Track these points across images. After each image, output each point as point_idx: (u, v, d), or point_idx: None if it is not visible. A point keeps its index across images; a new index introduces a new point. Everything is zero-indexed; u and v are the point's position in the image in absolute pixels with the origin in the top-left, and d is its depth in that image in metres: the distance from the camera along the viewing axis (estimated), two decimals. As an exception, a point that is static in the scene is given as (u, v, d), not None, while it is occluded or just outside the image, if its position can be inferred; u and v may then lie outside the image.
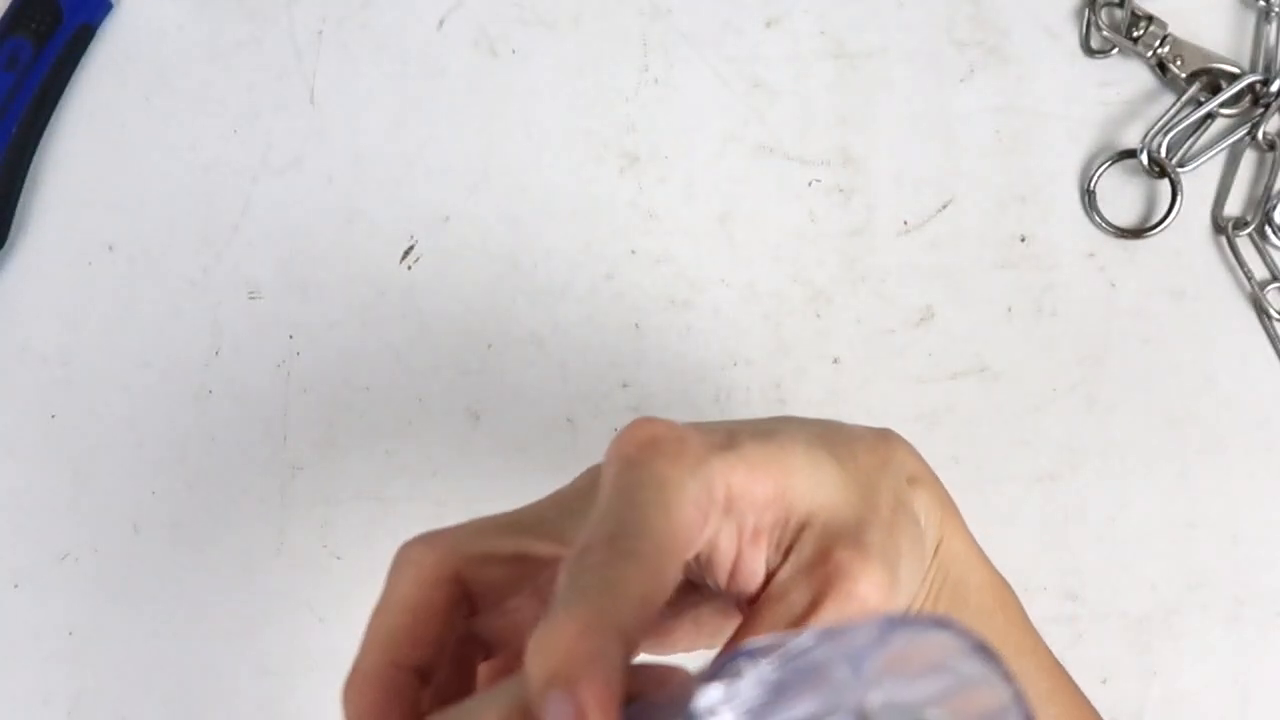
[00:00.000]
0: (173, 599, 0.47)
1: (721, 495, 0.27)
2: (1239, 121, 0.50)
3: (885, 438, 0.31)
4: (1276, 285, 0.48)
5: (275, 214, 0.50)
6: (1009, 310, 0.48)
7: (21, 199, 0.50)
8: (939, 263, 0.49)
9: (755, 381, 0.48)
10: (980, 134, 0.50)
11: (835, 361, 0.48)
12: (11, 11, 0.51)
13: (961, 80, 0.51)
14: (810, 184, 0.50)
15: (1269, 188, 0.49)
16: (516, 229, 0.50)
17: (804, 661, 0.20)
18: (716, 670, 0.20)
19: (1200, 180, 0.49)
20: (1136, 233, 0.49)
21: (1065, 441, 0.47)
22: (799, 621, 0.27)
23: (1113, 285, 0.48)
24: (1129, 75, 0.51)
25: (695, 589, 0.31)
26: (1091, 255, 0.49)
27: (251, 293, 0.50)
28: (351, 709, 0.27)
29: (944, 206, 0.49)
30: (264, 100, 0.51)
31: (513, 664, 0.30)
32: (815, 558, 0.27)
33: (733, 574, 0.28)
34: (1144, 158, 0.49)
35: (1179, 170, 0.49)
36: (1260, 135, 0.49)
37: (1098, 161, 0.49)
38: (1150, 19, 0.50)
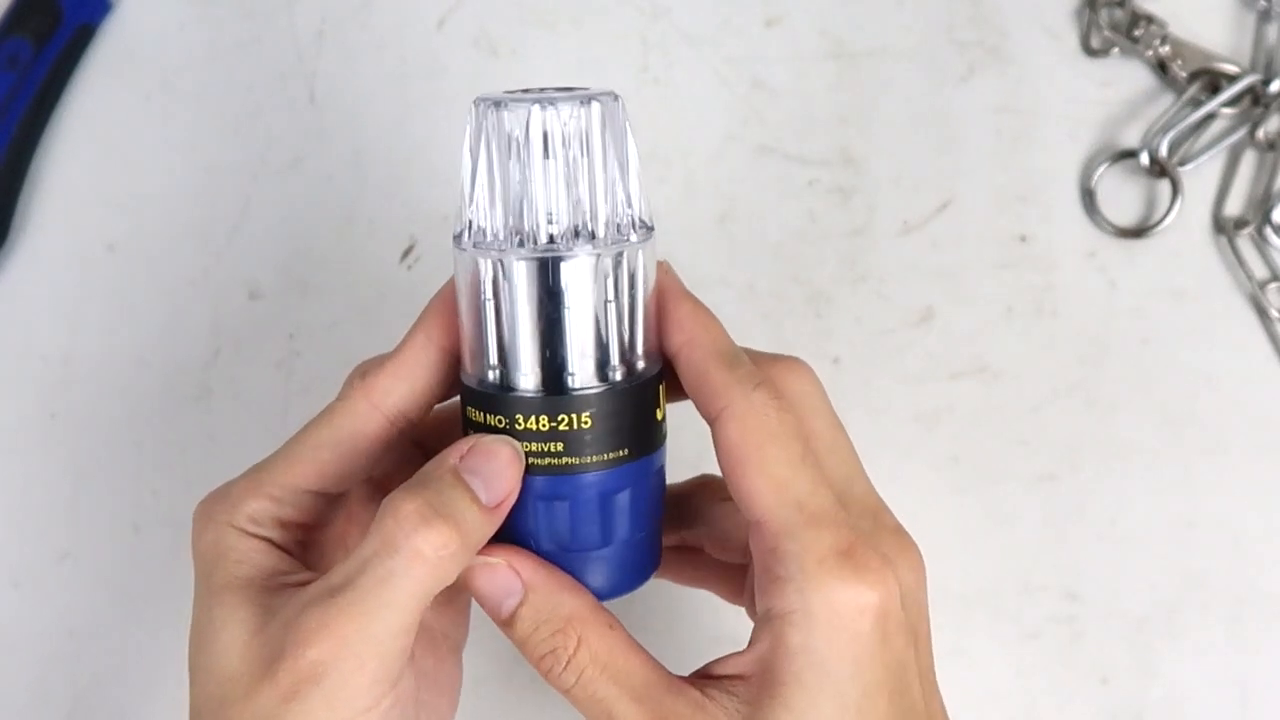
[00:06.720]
0: (173, 599, 0.47)
1: None
2: (1239, 121, 0.50)
3: None
4: (1276, 285, 0.48)
5: (275, 214, 0.50)
6: (1009, 310, 0.48)
7: (21, 199, 0.50)
8: (939, 263, 0.49)
9: (755, 381, 0.48)
10: (980, 134, 0.50)
11: (835, 361, 0.48)
12: (11, 11, 0.51)
13: (961, 80, 0.51)
14: (810, 184, 0.50)
15: (1269, 188, 0.49)
16: (516, 229, 0.50)
17: None
18: None
19: (1200, 180, 0.49)
20: (1136, 233, 0.49)
21: (1065, 441, 0.47)
22: None
23: (1113, 285, 0.48)
24: (1129, 75, 0.51)
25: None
26: (1091, 255, 0.49)
27: (251, 293, 0.50)
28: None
29: (944, 206, 0.49)
30: (264, 100, 0.51)
31: None
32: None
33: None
34: (1144, 157, 0.49)
35: (1179, 170, 0.49)
36: (1260, 135, 0.49)
37: (1098, 161, 0.49)
38: (1150, 19, 0.50)
